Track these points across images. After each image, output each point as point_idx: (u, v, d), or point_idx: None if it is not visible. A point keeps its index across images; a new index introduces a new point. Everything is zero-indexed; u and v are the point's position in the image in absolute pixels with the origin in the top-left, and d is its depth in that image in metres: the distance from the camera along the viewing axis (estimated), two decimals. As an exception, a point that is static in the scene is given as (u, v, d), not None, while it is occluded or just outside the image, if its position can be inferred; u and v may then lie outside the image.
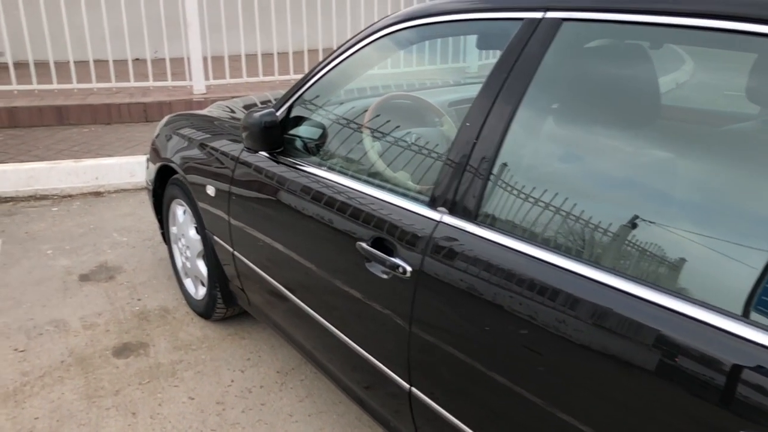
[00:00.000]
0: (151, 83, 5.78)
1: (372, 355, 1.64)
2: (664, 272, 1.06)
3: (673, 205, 1.12)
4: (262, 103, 2.91)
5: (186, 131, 2.62)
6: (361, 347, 1.68)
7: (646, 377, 1.02)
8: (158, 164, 2.78)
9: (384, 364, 1.61)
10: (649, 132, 1.27)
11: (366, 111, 2.00)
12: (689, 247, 1.05)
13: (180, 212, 2.73)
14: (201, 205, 2.43)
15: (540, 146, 1.34)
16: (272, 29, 5.94)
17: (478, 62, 5.48)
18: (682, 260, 1.05)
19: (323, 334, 1.84)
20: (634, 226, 1.12)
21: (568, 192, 1.23)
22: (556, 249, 1.19)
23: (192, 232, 2.64)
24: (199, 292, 2.71)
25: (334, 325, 1.78)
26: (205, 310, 2.66)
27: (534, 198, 1.26)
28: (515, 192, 1.29)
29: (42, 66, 5.78)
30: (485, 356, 1.28)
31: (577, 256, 1.16)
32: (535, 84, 1.30)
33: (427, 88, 3.22)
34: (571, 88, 1.33)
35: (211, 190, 2.32)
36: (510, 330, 1.22)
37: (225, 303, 2.55)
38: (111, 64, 5.61)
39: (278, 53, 6.12)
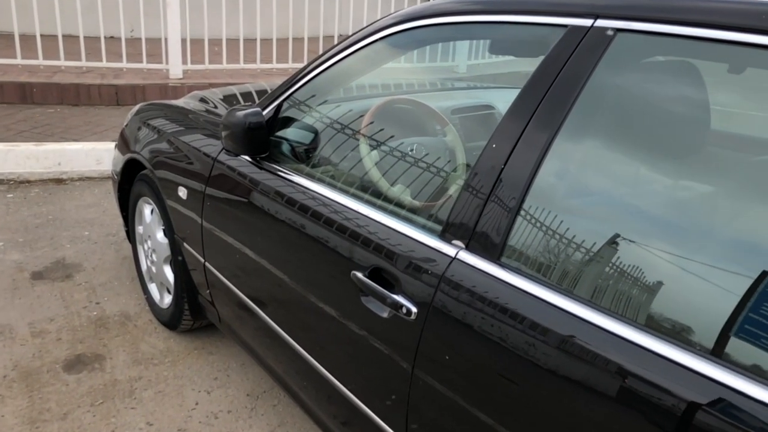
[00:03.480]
0: (124, 64, 5.45)
1: (354, 394, 1.44)
2: (731, 340, 0.86)
3: (744, 257, 0.92)
4: (242, 95, 2.67)
5: (158, 122, 2.37)
6: (342, 384, 1.48)
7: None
8: (126, 156, 2.52)
9: (370, 408, 1.40)
10: (712, 166, 1.08)
11: (363, 115, 1.78)
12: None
13: (147, 211, 2.47)
14: (170, 205, 2.19)
15: (582, 178, 1.13)
16: (257, 13, 5.65)
17: (467, 62, 5.24)
18: (759, 322, 0.86)
19: (298, 360, 1.63)
20: (697, 284, 0.92)
21: (614, 235, 1.03)
22: (596, 304, 0.99)
23: (159, 235, 2.39)
24: (165, 300, 2.46)
25: (313, 355, 1.57)
26: (170, 321, 2.42)
27: (574, 242, 1.05)
28: (549, 231, 1.08)
29: (5, 38, 5.41)
30: (509, 420, 1.07)
31: (621, 315, 0.96)
32: (579, 105, 1.09)
33: (421, 92, 3.00)
34: (624, 113, 1.12)
35: (182, 192, 2.08)
36: (538, 393, 1.01)
37: (192, 315, 2.31)
38: (82, 40, 5.26)
39: (261, 39, 5.83)
